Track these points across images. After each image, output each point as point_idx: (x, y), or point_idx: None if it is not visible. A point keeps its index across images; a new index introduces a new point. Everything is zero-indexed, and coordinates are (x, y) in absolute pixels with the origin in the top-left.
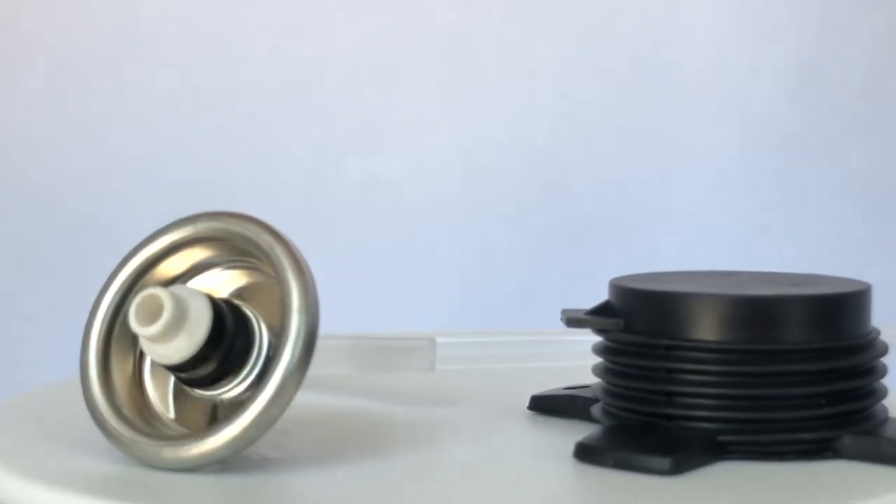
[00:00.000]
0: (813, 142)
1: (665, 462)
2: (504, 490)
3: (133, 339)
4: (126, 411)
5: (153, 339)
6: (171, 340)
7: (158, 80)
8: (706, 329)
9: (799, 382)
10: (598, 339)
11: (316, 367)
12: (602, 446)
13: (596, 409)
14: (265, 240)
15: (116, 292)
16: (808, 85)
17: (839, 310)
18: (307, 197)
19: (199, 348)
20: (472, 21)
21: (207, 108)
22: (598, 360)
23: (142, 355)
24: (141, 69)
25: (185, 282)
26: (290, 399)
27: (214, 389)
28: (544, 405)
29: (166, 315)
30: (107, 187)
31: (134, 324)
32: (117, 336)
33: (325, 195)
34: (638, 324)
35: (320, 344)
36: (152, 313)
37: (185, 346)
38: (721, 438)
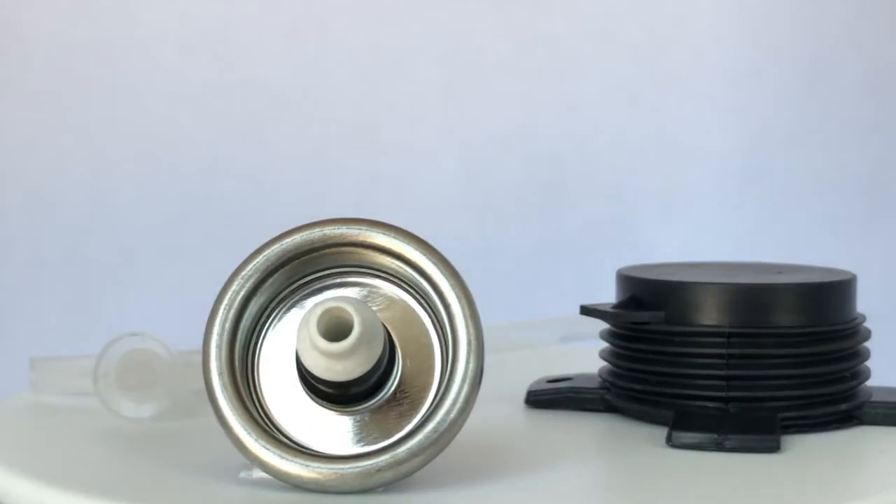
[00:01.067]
0: (814, 142)
1: (772, 440)
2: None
3: (247, 352)
4: (272, 431)
5: (340, 355)
6: (353, 355)
7: (158, 81)
8: (762, 316)
9: (833, 360)
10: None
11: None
12: (694, 433)
13: (619, 400)
14: (430, 268)
15: (231, 305)
16: (809, 85)
17: (840, 295)
18: (307, 197)
19: (376, 361)
20: (472, 20)
21: (207, 108)
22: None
23: (254, 369)
24: (140, 69)
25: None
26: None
27: (360, 405)
28: (540, 399)
29: (358, 330)
30: (106, 188)
31: (320, 341)
32: (238, 353)
33: (325, 196)
34: (680, 314)
35: None
36: (340, 329)
37: (365, 359)
38: (783, 415)
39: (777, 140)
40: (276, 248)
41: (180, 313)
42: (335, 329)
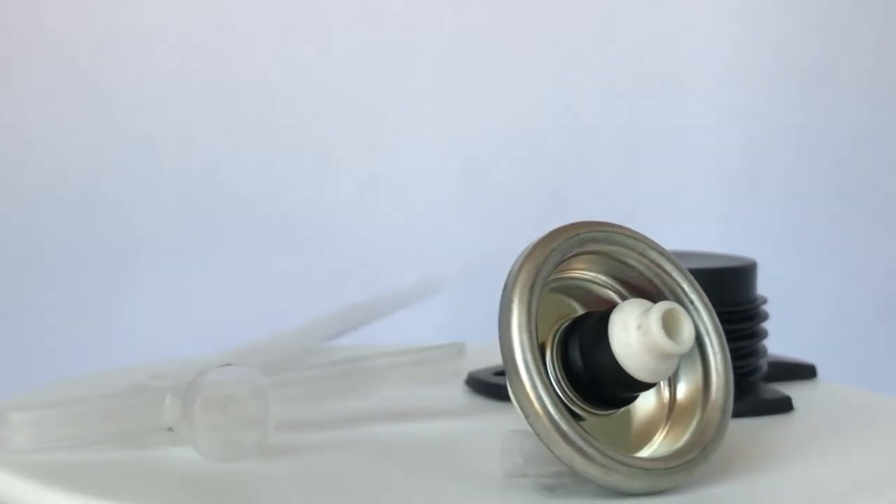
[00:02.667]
0: (816, 142)
1: None
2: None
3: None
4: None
5: (678, 355)
6: (681, 356)
7: (158, 81)
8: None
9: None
10: None
11: (372, 391)
12: None
13: None
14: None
15: (528, 302)
16: (811, 85)
17: (740, 280)
18: (307, 197)
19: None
20: (473, 24)
21: (207, 108)
22: None
23: None
24: (139, 70)
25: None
26: None
27: (614, 409)
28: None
29: (690, 329)
30: (105, 188)
31: (667, 342)
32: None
33: (325, 195)
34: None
35: (368, 367)
36: (677, 329)
37: (676, 359)
38: None
39: (777, 140)
40: (567, 241)
41: (180, 315)
42: (680, 330)
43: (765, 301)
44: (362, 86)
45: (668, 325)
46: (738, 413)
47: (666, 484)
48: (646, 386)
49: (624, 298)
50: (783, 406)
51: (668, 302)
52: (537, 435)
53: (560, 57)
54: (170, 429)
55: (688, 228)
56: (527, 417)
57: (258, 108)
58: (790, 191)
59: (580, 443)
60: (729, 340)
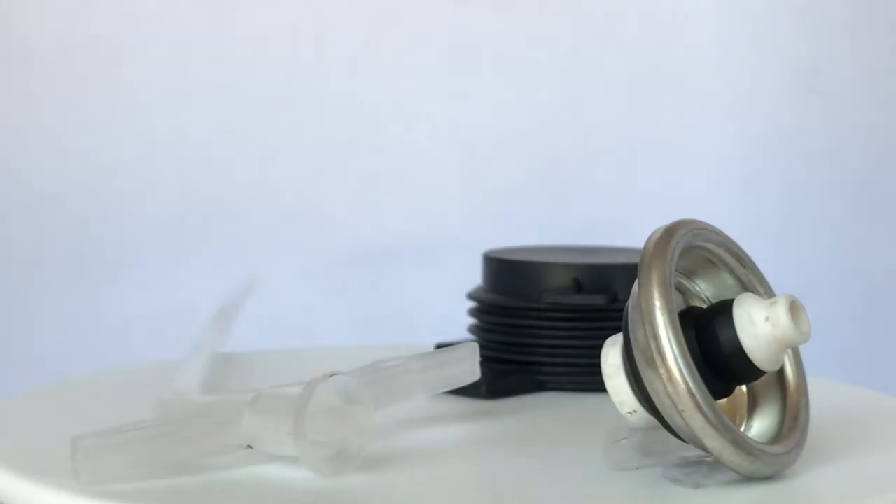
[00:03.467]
0: (814, 142)
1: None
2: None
3: None
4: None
5: (800, 344)
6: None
7: (158, 81)
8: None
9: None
10: None
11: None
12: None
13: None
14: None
15: (670, 301)
16: (807, 84)
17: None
18: (307, 197)
19: None
20: (473, 23)
21: (207, 107)
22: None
23: None
24: (139, 70)
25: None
26: None
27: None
28: None
29: (808, 319)
30: (106, 189)
31: (796, 333)
32: None
33: (325, 195)
34: (508, 289)
35: (392, 376)
36: (799, 319)
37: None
38: (540, 377)
39: (776, 139)
40: (683, 238)
41: (180, 312)
42: (802, 320)
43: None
44: (362, 84)
45: (797, 315)
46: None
47: (785, 467)
48: (760, 375)
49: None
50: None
51: (788, 295)
52: (690, 429)
53: (560, 55)
54: (248, 446)
55: None
56: (681, 412)
57: (258, 107)
58: (789, 190)
59: (732, 435)
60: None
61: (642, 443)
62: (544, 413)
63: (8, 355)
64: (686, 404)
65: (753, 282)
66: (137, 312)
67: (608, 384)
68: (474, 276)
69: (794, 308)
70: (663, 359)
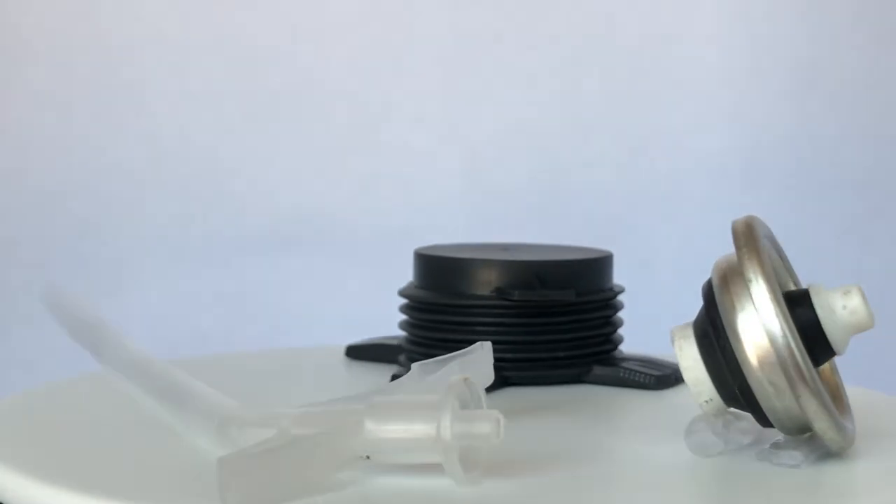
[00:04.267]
0: (811, 141)
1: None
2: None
3: None
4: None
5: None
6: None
7: (159, 82)
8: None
9: (560, 330)
10: None
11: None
12: None
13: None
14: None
15: (776, 290)
16: (807, 85)
17: (592, 271)
18: (308, 197)
19: None
20: (474, 24)
21: (209, 109)
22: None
23: None
24: (140, 71)
25: None
26: None
27: None
28: (360, 354)
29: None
30: (107, 189)
31: (870, 320)
32: None
33: (326, 196)
34: (436, 286)
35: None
36: (868, 307)
37: None
38: (505, 374)
39: (774, 139)
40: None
41: (181, 312)
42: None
43: (621, 290)
44: (363, 86)
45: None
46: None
47: (853, 441)
48: (829, 359)
49: None
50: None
51: (856, 285)
52: (804, 411)
53: (560, 57)
54: (367, 457)
55: (686, 226)
56: (797, 397)
57: (260, 109)
58: (787, 189)
59: (835, 416)
60: (587, 328)
61: (723, 429)
62: (552, 405)
63: (11, 355)
64: (803, 389)
65: (789, 270)
66: (138, 312)
67: (687, 375)
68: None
69: (864, 297)
70: (783, 348)
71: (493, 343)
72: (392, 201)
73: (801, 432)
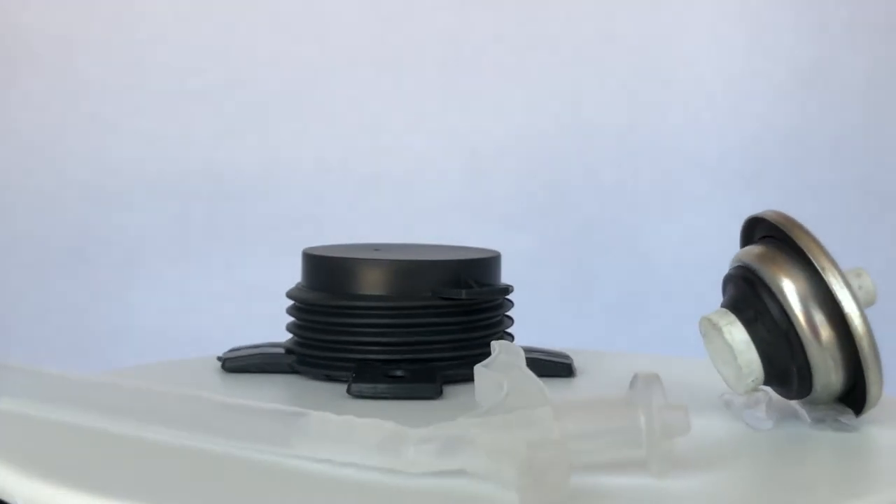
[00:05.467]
0: (811, 142)
1: (432, 389)
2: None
3: None
4: None
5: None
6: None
7: (160, 85)
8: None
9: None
10: None
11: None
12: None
13: (303, 365)
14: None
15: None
16: (805, 86)
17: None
18: (310, 198)
19: None
20: (473, 25)
21: (211, 110)
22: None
23: None
24: (142, 73)
25: None
26: None
27: None
28: (236, 366)
29: None
30: (110, 189)
31: (875, 295)
32: None
33: (327, 197)
34: (321, 286)
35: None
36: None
37: None
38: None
39: (773, 140)
40: None
41: (184, 311)
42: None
43: (510, 290)
44: (365, 87)
45: None
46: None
47: None
48: None
49: None
50: (429, 391)
51: (860, 267)
52: (868, 382)
53: (560, 58)
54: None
55: (686, 225)
56: (867, 370)
57: (263, 111)
58: (785, 190)
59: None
60: (474, 329)
61: (777, 404)
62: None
63: (20, 355)
64: (873, 363)
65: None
66: (142, 311)
67: (742, 358)
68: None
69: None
70: (860, 326)
71: (388, 344)
72: (392, 201)
73: (828, 401)
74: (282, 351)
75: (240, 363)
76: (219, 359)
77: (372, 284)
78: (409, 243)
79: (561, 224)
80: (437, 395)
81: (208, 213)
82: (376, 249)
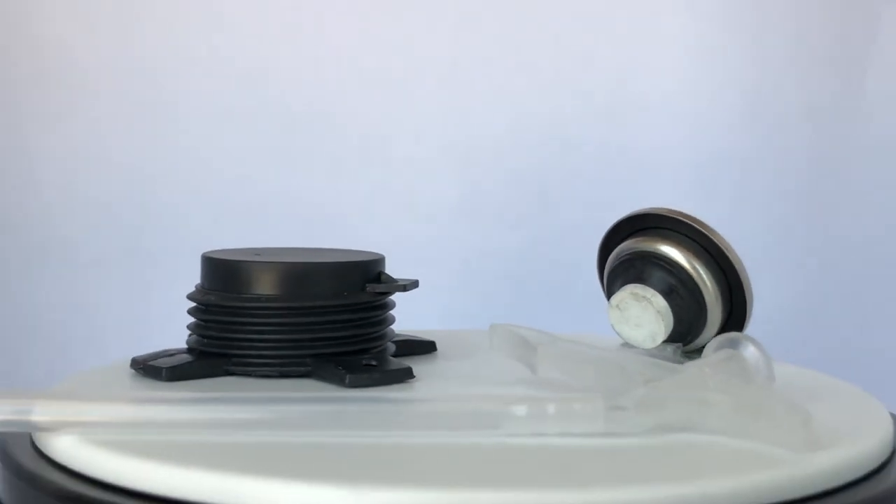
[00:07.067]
0: (758, 159)
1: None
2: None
3: None
4: None
5: None
6: None
7: (196, 103)
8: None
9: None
10: None
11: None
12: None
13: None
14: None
15: None
16: (753, 111)
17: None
18: (316, 206)
19: None
20: (467, 52)
21: (239, 128)
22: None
23: None
24: (178, 93)
25: None
26: None
27: None
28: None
29: None
30: (152, 199)
31: None
32: None
33: (338, 202)
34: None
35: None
36: None
37: None
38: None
39: (727, 157)
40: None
41: None
42: None
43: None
44: (376, 107)
45: None
46: (368, 384)
47: None
48: None
49: None
50: (406, 374)
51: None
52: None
53: (544, 81)
54: None
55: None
56: (747, 292)
57: (285, 127)
58: (735, 197)
59: None
60: (359, 326)
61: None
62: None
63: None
64: (748, 287)
65: None
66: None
67: (666, 321)
68: (470, 271)
69: None
70: (735, 260)
71: (346, 338)
72: (397, 207)
73: (698, 347)
74: (214, 353)
75: (180, 372)
76: (142, 367)
77: (315, 285)
78: (268, 247)
79: (545, 226)
80: (412, 377)
81: (238, 218)
82: (257, 254)
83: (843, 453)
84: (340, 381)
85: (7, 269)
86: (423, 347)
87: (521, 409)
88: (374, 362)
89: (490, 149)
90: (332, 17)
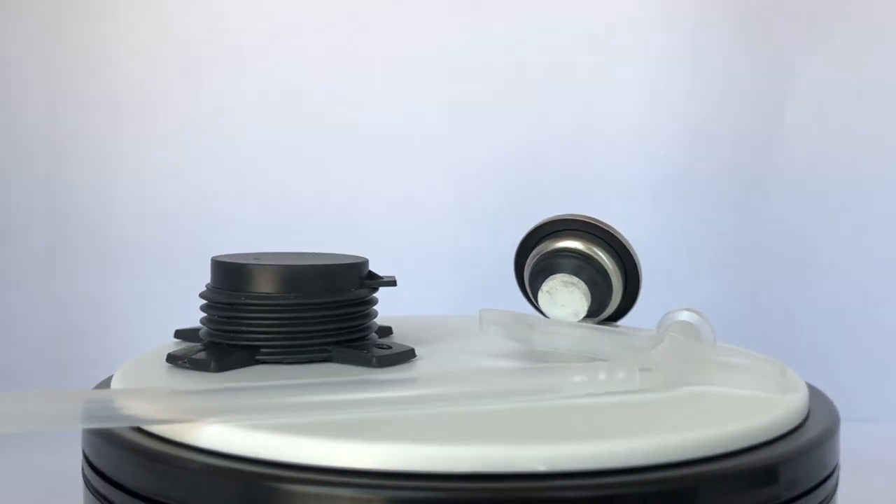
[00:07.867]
0: (698, 175)
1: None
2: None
3: None
4: None
5: None
6: None
7: (164, 87)
8: (258, 287)
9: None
10: None
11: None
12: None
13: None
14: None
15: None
16: (696, 132)
17: (344, 274)
18: (339, 216)
19: None
20: (464, 86)
21: (277, 146)
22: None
23: None
24: (145, 79)
25: None
26: None
27: None
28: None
29: None
30: (208, 208)
31: None
32: None
33: (350, 215)
34: (222, 285)
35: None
36: None
37: None
38: (257, 356)
39: (673, 175)
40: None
41: None
42: None
43: (375, 290)
44: (383, 129)
45: None
46: (394, 363)
47: None
48: None
49: None
50: (411, 354)
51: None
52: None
53: (530, 114)
54: None
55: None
56: (638, 266)
57: (316, 142)
58: (678, 209)
59: None
60: (364, 317)
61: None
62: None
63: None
64: (637, 261)
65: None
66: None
67: (587, 300)
68: (466, 272)
69: None
70: (626, 242)
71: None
72: (402, 215)
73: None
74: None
75: (225, 364)
76: (186, 362)
77: (315, 284)
78: (268, 252)
79: (524, 228)
80: (415, 356)
81: (281, 228)
82: (257, 258)
83: (802, 396)
84: (367, 363)
85: (86, 267)
86: (384, 332)
87: (579, 376)
88: (387, 345)
89: (484, 169)
90: (330, 19)
